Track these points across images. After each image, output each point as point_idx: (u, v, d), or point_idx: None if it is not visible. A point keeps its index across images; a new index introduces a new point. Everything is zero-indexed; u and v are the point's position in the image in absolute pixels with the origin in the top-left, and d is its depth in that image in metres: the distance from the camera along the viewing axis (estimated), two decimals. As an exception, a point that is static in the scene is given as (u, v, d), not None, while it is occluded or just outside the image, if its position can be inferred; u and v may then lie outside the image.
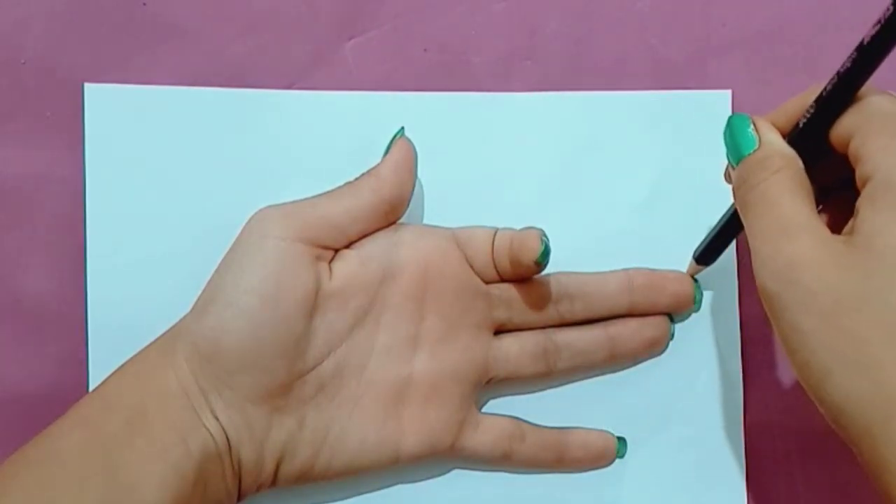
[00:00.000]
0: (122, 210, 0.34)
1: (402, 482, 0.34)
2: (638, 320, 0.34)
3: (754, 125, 0.28)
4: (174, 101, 0.34)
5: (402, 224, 0.32)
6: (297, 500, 0.33)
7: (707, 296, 0.35)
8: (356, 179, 0.31)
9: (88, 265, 0.34)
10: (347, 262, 0.31)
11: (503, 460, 0.33)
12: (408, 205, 0.32)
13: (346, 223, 0.30)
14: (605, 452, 0.34)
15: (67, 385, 0.33)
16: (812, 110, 0.27)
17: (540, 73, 0.35)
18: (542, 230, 0.31)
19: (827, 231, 0.25)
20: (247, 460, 0.29)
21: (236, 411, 0.29)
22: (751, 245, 0.26)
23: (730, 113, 0.35)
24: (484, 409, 0.34)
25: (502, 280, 0.33)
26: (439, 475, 0.34)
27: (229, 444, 0.29)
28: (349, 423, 0.31)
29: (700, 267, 0.34)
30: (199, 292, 0.30)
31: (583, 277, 0.33)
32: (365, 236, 0.31)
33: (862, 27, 0.24)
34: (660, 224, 0.35)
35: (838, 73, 0.25)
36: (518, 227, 0.32)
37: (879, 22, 0.24)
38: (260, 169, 0.34)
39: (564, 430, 0.34)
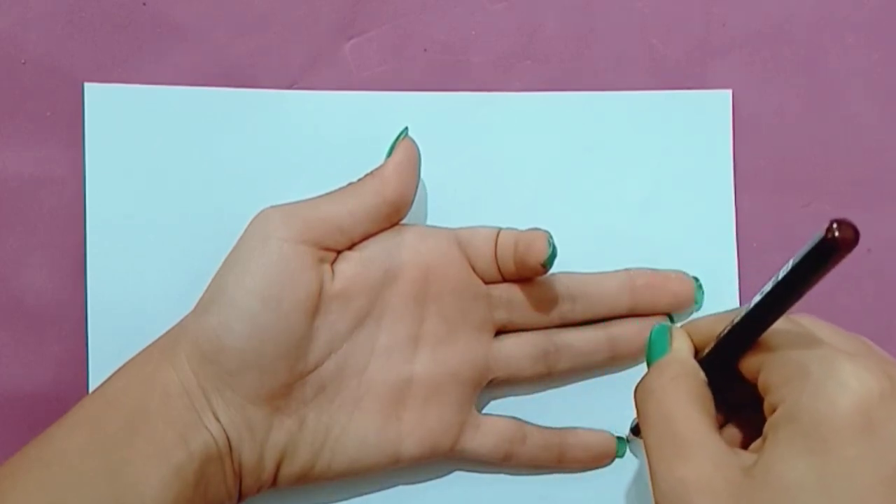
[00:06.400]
0: (122, 210, 0.34)
1: (402, 483, 0.34)
2: (639, 321, 0.34)
3: (671, 334, 0.28)
4: (174, 101, 0.34)
5: (404, 225, 0.32)
6: (297, 501, 0.33)
7: (708, 296, 0.35)
8: (359, 181, 0.31)
9: (88, 265, 0.33)
10: (350, 264, 0.31)
11: (504, 461, 0.33)
12: (411, 206, 0.32)
13: (348, 225, 0.30)
14: (605, 452, 0.34)
15: (67, 385, 0.33)
16: (719, 342, 0.26)
17: (540, 72, 0.35)
18: (548, 232, 0.31)
19: (724, 449, 0.24)
20: (247, 461, 0.29)
21: (237, 412, 0.29)
22: (647, 460, 0.26)
23: (730, 113, 0.35)
24: (485, 410, 0.34)
25: (504, 280, 0.33)
26: (440, 476, 0.34)
27: (230, 445, 0.29)
28: (349, 424, 0.31)
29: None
30: (200, 292, 0.30)
31: (584, 278, 0.33)
32: (368, 237, 0.31)
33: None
34: (660, 224, 0.35)
35: (748, 309, 0.25)
36: (518, 226, 0.32)
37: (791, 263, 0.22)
38: (259, 169, 0.34)
39: (565, 430, 0.34)
